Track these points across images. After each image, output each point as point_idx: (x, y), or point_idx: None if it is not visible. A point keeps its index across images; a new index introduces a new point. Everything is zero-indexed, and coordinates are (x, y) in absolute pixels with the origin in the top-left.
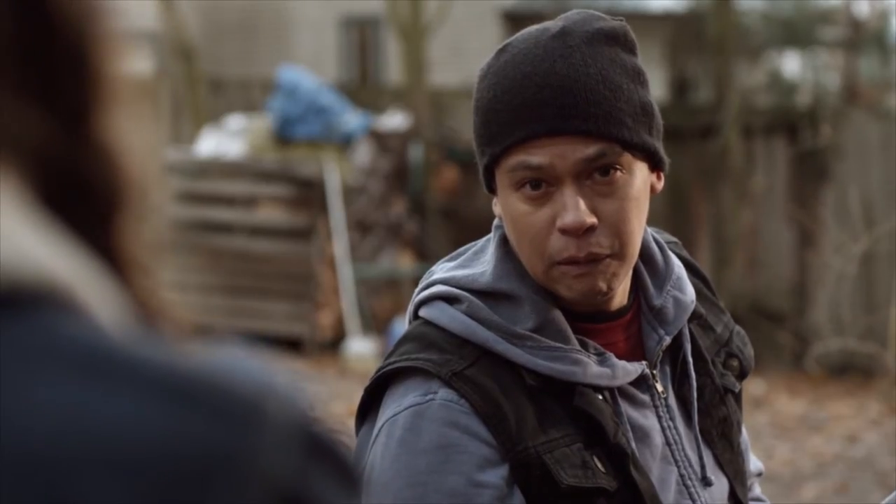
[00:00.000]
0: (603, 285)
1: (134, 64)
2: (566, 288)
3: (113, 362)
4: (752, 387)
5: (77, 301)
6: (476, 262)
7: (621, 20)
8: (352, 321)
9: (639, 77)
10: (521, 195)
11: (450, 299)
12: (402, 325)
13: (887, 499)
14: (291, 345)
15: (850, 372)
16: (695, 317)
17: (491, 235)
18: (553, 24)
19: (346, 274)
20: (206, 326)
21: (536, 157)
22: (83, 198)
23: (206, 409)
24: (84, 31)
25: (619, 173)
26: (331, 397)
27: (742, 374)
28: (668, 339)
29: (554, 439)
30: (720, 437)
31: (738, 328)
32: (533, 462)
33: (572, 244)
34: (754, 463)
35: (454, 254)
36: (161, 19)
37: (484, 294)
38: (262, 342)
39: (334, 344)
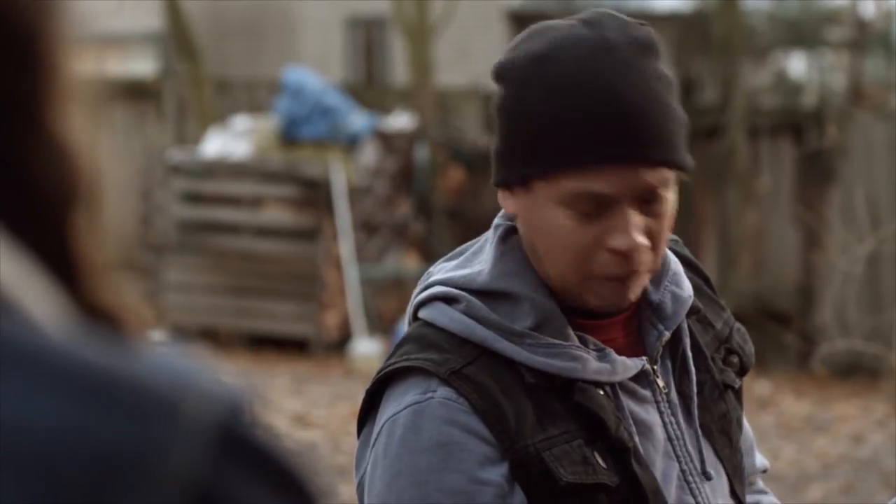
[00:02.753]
0: (632, 297)
1: (88, 64)
2: (596, 297)
3: (35, 359)
4: (758, 387)
5: (8, 298)
6: (474, 262)
7: (644, 24)
8: (357, 322)
9: (674, 88)
10: (570, 212)
11: (448, 299)
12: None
13: (893, 500)
14: (297, 345)
15: (856, 372)
16: (693, 312)
17: (489, 234)
18: (589, 30)
19: (351, 274)
20: (211, 327)
21: (600, 184)
22: (34, 197)
23: (120, 408)
24: (37, 31)
25: (668, 194)
26: (335, 398)
27: (742, 371)
28: (667, 334)
29: (553, 436)
30: (720, 432)
31: (738, 325)
32: (532, 460)
33: (618, 263)
34: (760, 460)
35: (453, 253)
36: (166, 19)
37: (481, 293)
38: (267, 343)
39: (340, 344)
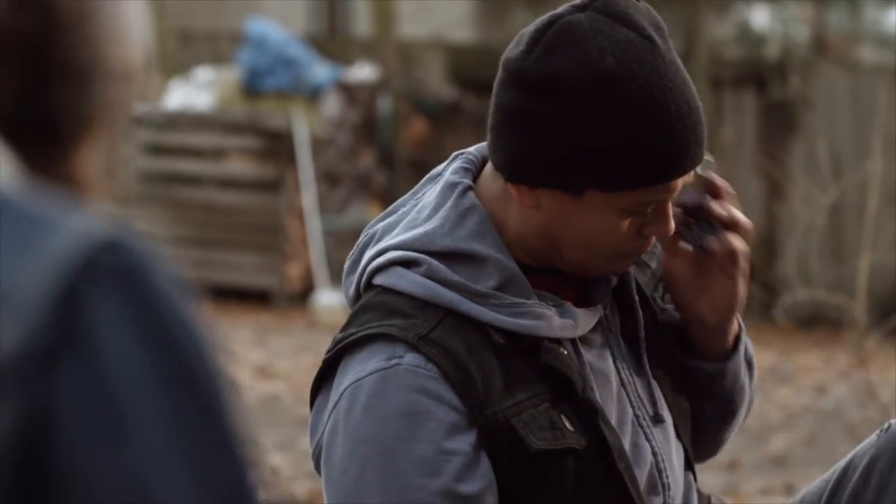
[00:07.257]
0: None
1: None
2: (606, 271)
3: None
4: None
5: None
6: (421, 221)
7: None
8: (320, 273)
9: None
10: (627, 216)
11: (407, 263)
12: None
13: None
14: (260, 297)
15: (819, 323)
16: None
17: (431, 187)
18: (629, 30)
19: (314, 226)
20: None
21: (666, 193)
22: (45, 127)
23: None
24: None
25: None
26: (298, 349)
27: None
28: (614, 280)
29: (521, 401)
30: (666, 374)
31: None
32: (501, 427)
33: (646, 245)
34: None
35: (391, 209)
36: None
37: (442, 255)
38: (230, 294)
39: (303, 296)
